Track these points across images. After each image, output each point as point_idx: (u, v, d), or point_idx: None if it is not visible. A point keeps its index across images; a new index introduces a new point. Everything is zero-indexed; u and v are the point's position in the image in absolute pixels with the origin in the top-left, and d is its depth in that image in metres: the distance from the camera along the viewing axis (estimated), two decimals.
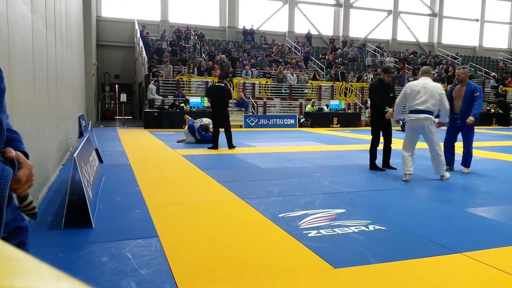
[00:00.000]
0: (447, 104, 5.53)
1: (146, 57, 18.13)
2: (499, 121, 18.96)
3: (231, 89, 17.53)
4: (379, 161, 6.41)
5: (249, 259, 2.75)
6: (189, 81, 17.62)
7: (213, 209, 4.02)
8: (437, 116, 5.66)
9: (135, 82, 22.08)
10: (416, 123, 5.55)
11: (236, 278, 2.46)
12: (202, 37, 21.87)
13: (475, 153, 8.28)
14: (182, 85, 17.26)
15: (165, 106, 15.85)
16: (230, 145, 8.80)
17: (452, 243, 3.03)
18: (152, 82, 16.50)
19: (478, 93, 6.02)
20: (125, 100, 16.93)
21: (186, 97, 16.35)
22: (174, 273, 2.49)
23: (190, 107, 15.57)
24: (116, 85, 22.24)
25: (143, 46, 18.92)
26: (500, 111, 19.14)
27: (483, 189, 5.13)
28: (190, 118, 10.74)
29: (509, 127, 18.49)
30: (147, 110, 15.48)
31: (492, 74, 24.10)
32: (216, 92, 8.82)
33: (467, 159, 6.12)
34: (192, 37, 21.64)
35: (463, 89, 6.12)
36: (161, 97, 16.51)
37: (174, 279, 2.42)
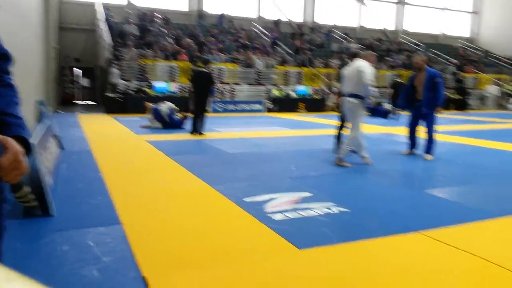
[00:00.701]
0: (365, 80, 5.31)
1: (109, 40, 17.53)
2: (458, 106, 19.71)
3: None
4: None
5: (216, 244, 2.75)
6: (154, 66, 17.22)
7: (179, 195, 3.97)
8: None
9: (97, 66, 21.35)
10: (342, 104, 5.77)
11: (202, 264, 2.45)
12: (168, 21, 21.35)
13: (435, 137, 8.57)
14: (146, 70, 16.85)
15: (128, 91, 15.45)
16: (201, 131, 8.86)
17: (412, 223, 3.14)
18: (115, 66, 16.00)
19: (439, 80, 6.16)
20: (87, 85, 16.34)
21: (151, 81, 15.99)
22: (139, 260, 2.45)
23: (155, 92, 15.25)
24: (78, 69, 21.44)
25: (106, 29, 18.26)
26: (459, 96, 19.88)
27: (441, 171, 5.34)
28: (151, 105, 10.47)
29: (467, 111, 19.28)
30: (110, 94, 15.04)
31: (452, 61, 24.92)
32: (199, 77, 8.87)
33: (429, 146, 6.26)
34: (158, 21, 21.08)
35: (423, 76, 6.21)
36: (125, 82, 16.07)
37: (138, 266, 2.38)
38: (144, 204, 3.65)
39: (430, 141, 6.21)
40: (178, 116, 10.29)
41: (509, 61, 27.45)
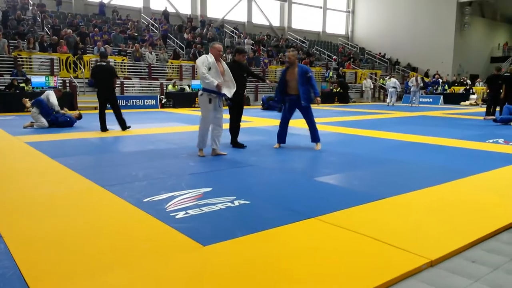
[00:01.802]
0: (198, 74, 5.68)
1: None
2: (340, 99, 21.52)
3: (83, 68, 16.05)
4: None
5: (113, 249, 2.60)
6: (30, 58, 15.49)
7: (67, 200, 3.65)
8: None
9: None
10: None
11: (98, 270, 2.30)
12: (43, 7, 19.33)
13: (322, 128, 9.24)
14: (21, 63, 15.08)
15: (0, 87, 13.68)
16: (123, 127, 8.61)
17: (306, 210, 3.36)
18: None
19: (310, 74, 6.56)
20: None
21: (28, 76, 14.36)
22: (25, 275, 2.20)
23: (33, 87, 13.76)
24: None
25: None
26: (341, 90, 21.71)
27: (328, 159, 5.78)
28: (29, 103, 9.43)
29: (349, 104, 21.16)
30: None
31: (333, 57, 27.08)
32: (100, 71, 8.40)
33: (316, 135, 6.68)
34: (31, 8, 18.96)
35: (295, 71, 6.49)
36: None
37: (25, 281, 2.14)
38: (27, 213, 3.28)
39: (315, 130, 6.63)
40: (70, 113, 9.47)
41: (382, 58, 30.80)
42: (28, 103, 9.37)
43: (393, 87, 19.98)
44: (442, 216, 3.30)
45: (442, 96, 22.57)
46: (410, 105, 19.39)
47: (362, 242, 2.72)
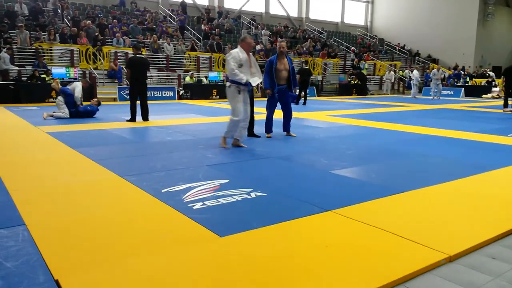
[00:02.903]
0: (227, 68, 5.69)
1: None
2: (358, 91, 21.27)
3: (102, 59, 16.25)
4: None
5: (132, 238, 2.65)
6: (51, 49, 15.76)
7: (88, 190, 3.73)
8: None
9: None
10: None
11: (118, 259, 2.35)
12: None
13: (339, 120, 9.18)
14: (42, 54, 15.36)
15: (22, 78, 13.98)
16: (146, 117, 8.83)
17: (323, 203, 3.35)
18: (5, 50, 14.31)
19: (292, 65, 6.73)
20: None
21: (48, 67, 14.63)
22: (48, 262, 2.27)
23: (53, 79, 14.01)
24: None
25: None
26: (359, 82, 21.44)
27: (346, 152, 5.74)
28: (58, 85, 9.52)
29: (367, 96, 20.90)
30: (1, 82, 13.47)
31: (351, 49, 26.72)
32: (137, 63, 8.69)
33: (289, 125, 6.94)
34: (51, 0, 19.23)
35: (285, 61, 6.56)
36: (17, 68, 14.49)
37: (48, 268, 2.21)
38: (49, 201, 3.37)
39: (290, 119, 6.90)
40: (91, 103, 9.62)
41: (402, 49, 30.26)
42: (57, 86, 9.50)
43: (414, 79, 19.67)
44: (462, 211, 3.25)
45: (463, 88, 22.07)
46: (432, 97, 18.92)
47: (379, 236, 2.71)
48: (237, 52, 5.64)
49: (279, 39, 6.12)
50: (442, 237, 2.69)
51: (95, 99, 9.88)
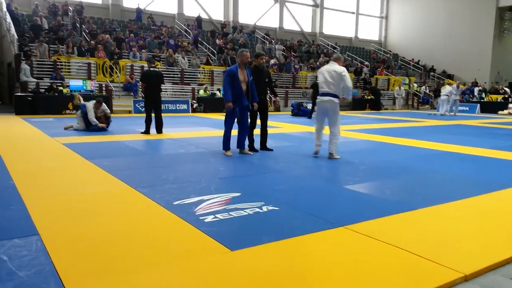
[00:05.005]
0: (348, 83, 6.01)
1: (15, 34, 16.03)
2: (372, 106, 21.17)
3: (118, 72, 16.54)
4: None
5: (144, 250, 2.65)
6: (69, 62, 16.12)
7: (100, 201, 3.77)
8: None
9: (2, 63, 19.45)
10: (321, 104, 6.17)
11: (129, 270, 2.35)
12: (81, 12, 20.05)
13: (352, 135, 9.13)
14: (60, 67, 15.71)
15: (40, 90, 14.28)
16: (160, 130, 8.95)
17: (335, 218, 3.32)
18: (25, 62, 14.69)
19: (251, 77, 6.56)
20: None
21: (65, 79, 14.94)
22: (60, 272, 2.29)
23: (71, 91, 14.29)
24: None
25: (11, 22, 16.68)
26: (373, 97, 21.36)
27: (358, 167, 5.69)
28: (82, 100, 9.64)
29: (381, 111, 20.79)
30: (19, 94, 13.79)
31: (365, 63, 26.71)
32: (151, 77, 8.81)
33: (244, 139, 6.56)
34: (70, 14, 19.74)
35: (245, 73, 6.28)
36: (36, 80, 14.84)
37: (60, 278, 2.22)
38: (63, 211, 3.41)
39: (246, 134, 6.60)
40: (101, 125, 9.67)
41: (416, 64, 30.13)
42: (79, 101, 9.67)
43: (446, 95, 18.11)
44: (477, 229, 3.19)
45: (478, 104, 21.79)
46: (454, 114, 18.51)
47: (392, 254, 2.66)
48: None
49: (242, 49, 6.03)
50: (458, 256, 2.64)
51: (103, 115, 9.47)
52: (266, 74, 6.94)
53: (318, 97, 6.26)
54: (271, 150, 6.78)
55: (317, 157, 6.22)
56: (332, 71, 6.04)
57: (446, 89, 18.34)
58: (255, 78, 6.41)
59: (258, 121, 6.83)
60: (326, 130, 6.32)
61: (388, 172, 5.38)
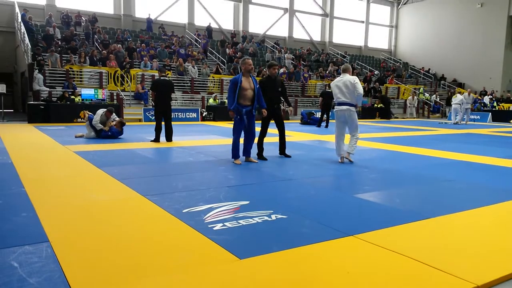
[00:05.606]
0: (359, 90, 6.27)
1: (29, 44, 16.34)
2: (382, 115, 21.06)
3: (129, 81, 16.73)
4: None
5: (152, 257, 2.65)
6: (81, 71, 16.36)
7: (110, 208, 3.79)
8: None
9: (16, 72, 19.82)
10: (339, 113, 6.46)
11: (138, 278, 2.35)
12: (94, 22, 20.39)
13: (363, 143, 9.09)
14: (72, 76, 15.95)
15: (52, 98, 14.50)
16: (170, 138, 9.01)
17: (345, 227, 3.29)
18: (38, 71, 14.94)
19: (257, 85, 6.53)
20: (4, 91, 15.05)
21: (77, 88, 15.15)
22: (69, 280, 2.30)
23: (82, 100, 14.48)
24: None
25: (25, 32, 17.02)
26: (382, 105, 21.25)
27: (369, 176, 5.65)
28: (89, 113, 9.95)
29: (390, 119, 20.67)
30: (32, 102, 14.01)
31: (374, 72, 26.64)
32: (162, 85, 8.91)
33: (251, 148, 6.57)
34: (83, 24, 20.08)
35: (251, 80, 6.31)
36: (48, 88, 15.07)
37: (69, 285, 2.23)
38: (73, 219, 3.43)
39: (252, 142, 6.59)
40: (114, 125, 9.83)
41: (427, 73, 29.98)
42: (86, 115, 10.02)
43: (458, 104, 17.86)
44: (490, 239, 3.13)
45: (490, 113, 21.55)
46: (465, 122, 18.30)
47: (403, 263, 2.63)
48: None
49: (245, 57, 6.07)
50: (470, 266, 2.59)
51: (117, 119, 9.85)
52: (279, 83, 6.99)
53: (335, 107, 6.51)
54: (289, 156, 6.95)
55: (342, 163, 6.51)
56: (346, 81, 6.33)
57: (457, 98, 18.17)
58: (268, 87, 6.57)
59: (271, 130, 6.93)
60: (346, 140, 6.61)
61: (399, 181, 5.33)
